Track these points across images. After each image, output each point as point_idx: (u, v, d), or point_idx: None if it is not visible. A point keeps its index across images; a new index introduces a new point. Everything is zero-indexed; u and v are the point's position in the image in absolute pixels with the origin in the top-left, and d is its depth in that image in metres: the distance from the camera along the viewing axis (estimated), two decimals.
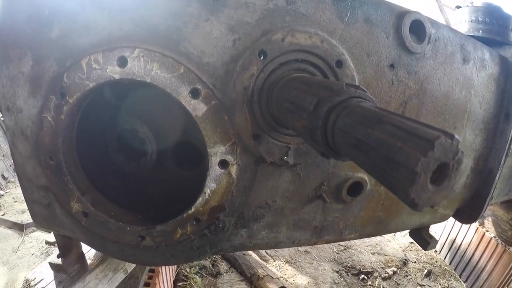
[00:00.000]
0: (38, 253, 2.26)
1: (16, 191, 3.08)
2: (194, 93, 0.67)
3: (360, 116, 0.42)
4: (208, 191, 0.71)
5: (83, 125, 0.81)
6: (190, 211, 0.73)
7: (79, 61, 0.72)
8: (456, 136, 0.34)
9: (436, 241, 1.08)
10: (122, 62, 0.69)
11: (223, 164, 0.70)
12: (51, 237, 2.38)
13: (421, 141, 0.34)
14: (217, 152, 0.69)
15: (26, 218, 2.64)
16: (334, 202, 0.82)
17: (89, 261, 1.00)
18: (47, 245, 2.28)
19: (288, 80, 0.65)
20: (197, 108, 0.68)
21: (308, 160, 0.74)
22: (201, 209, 0.73)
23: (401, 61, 0.82)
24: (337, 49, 0.72)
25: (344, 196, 0.80)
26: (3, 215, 2.73)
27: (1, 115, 4.18)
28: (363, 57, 0.76)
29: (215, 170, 0.70)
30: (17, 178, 3.41)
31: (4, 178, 3.21)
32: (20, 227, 2.47)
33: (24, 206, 2.90)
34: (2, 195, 2.98)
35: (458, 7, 1.30)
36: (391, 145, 0.36)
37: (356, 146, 0.41)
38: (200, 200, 0.72)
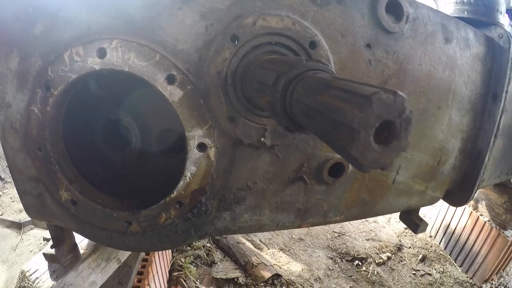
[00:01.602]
0: (36, 250, 2.35)
1: (13, 191, 3.18)
2: (170, 79, 0.71)
3: (311, 85, 0.44)
4: (189, 174, 0.74)
5: (70, 116, 0.85)
6: (172, 195, 0.77)
7: (62, 54, 0.77)
8: (400, 93, 0.34)
9: (426, 224, 1.08)
10: (102, 53, 0.73)
11: (201, 147, 0.72)
12: (48, 234, 2.44)
13: (359, 98, 0.34)
14: (195, 135, 0.72)
15: (24, 217, 2.73)
16: (316, 184, 0.84)
17: (81, 251, 1.04)
18: (45, 241, 2.36)
19: (260, 63, 0.67)
20: (173, 93, 0.71)
21: (286, 141, 0.76)
22: (183, 192, 0.76)
23: (378, 41, 0.84)
24: (309, 31, 0.74)
25: (326, 177, 0.82)
26: (1, 215, 2.82)
27: None
28: (337, 37, 0.78)
29: (194, 153, 0.73)
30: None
31: (1, 179, 3.32)
32: (18, 226, 2.57)
33: (21, 205, 3.01)
34: (0, 195, 3.09)
35: None
36: (334, 107, 0.37)
37: (308, 114, 0.43)
38: (181, 183, 0.75)
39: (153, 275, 1.39)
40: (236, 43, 0.71)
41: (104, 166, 0.94)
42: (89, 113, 0.93)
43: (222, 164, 0.76)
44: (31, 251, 2.35)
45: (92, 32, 0.75)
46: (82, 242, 1.07)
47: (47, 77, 0.79)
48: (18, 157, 0.88)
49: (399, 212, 1.15)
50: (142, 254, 1.41)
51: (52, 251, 0.96)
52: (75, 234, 1.05)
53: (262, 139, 0.74)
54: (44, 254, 0.97)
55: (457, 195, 1.13)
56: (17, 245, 2.39)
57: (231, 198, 0.80)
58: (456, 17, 1.20)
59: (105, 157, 0.95)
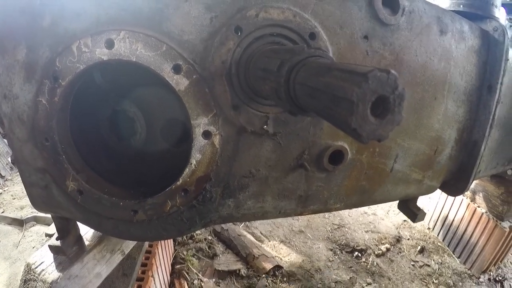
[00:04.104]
0: (39, 246, 2.39)
1: (14, 188, 3.24)
2: (176, 69, 0.76)
3: (314, 69, 0.50)
4: (194, 162, 0.79)
5: (76, 108, 0.90)
6: (178, 183, 0.81)
7: (70, 46, 0.81)
8: (393, 71, 0.40)
9: (424, 213, 1.14)
10: (110, 44, 0.78)
11: (207, 134, 0.78)
12: (50, 230, 2.49)
13: (357, 76, 0.40)
14: (200, 123, 0.77)
15: (25, 214, 2.79)
16: (317, 171, 0.89)
17: (86, 243, 1.09)
18: (47, 237, 2.40)
19: (262, 52, 0.73)
20: (180, 82, 0.76)
21: (287, 129, 0.81)
22: (188, 180, 0.81)
23: (375, 33, 0.90)
24: (309, 23, 0.80)
25: (326, 164, 0.88)
26: (2, 212, 2.87)
27: None
28: (336, 29, 0.84)
29: (199, 141, 0.78)
30: (14, 176, 3.54)
31: (1, 176, 3.37)
32: (20, 223, 2.61)
33: (23, 202, 3.07)
34: (1, 193, 3.13)
35: None
36: (335, 85, 0.43)
37: (311, 94, 0.48)
38: (187, 171, 0.80)
39: (157, 267, 1.44)
40: (239, 34, 0.77)
41: (110, 156, 0.99)
42: (94, 104, 0.98)
43: (226, 151, 0.80)
44: (33, 247, 2.39)
45: (100, 23, 0.80)
46: (87, 233, 1.11)
47: (55, 68, 0.84)
48: (25, 148, 0.93)
49: (398, 202, 1.22)
50: (146, 246, 1.46)
51: (58, 243, 1.00)
52: (80, 226, 1.09)
53: (265, 126, 0.79)
54: (50, 246, 1.01)
55: (454, 185, 1.19)
56: (19, 241, 2.43)
57: (235, 185, 0.85)
58: (452, 10, 1.27)
59: (110, 147, 0.99)
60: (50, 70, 0.84)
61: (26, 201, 3.04)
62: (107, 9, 0.79)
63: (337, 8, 0.85)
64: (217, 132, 0.78)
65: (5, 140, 3.87)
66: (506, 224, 2.16)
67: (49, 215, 1.13)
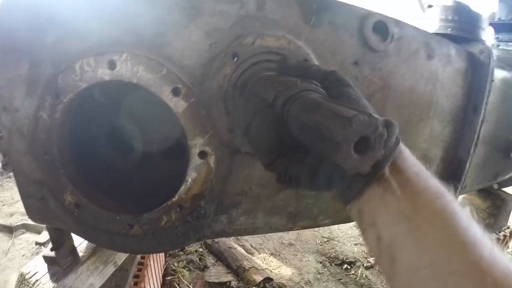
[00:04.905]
0: (28, 254, 2.40)
1: (4, 194, 3.24)
2: (176, 92, 0.81)
3: (305, 105, 0.56)
4: (190, 180, 0.85)
5: (75, 124, 0.94)
6: (174, 199, 0.87)
7: (73, 64, 0.86)
8: (374, 115, 0.47)
9: None
10: (112, 65, 0.83)
11: (202, 154, 0.83)
12: (41, 238, 2.50)
13: (342, 119, 0.47)
14: (196, 144, 0.83)
15: (15, 220, 2.79)
16: (305, 190, 0.96)
17: (80, 254, 1.13)
18: (37, 245, 2.42)
19: (258, 79, 0.79)
20: (178, 105, 0.82)
21: None
22: (183, 196, 0.87)
23: (365, 59, 0.97)
24: (302, 50, 0.87)
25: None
26: None
27: None
28: (328, 56, 0.91)
29: (195, 160, 0.84)
30: (4, 182, 3.53)
31: None
32: (9, 230, 2.62)
33: (12, 209, 3.08)
34: None
35: (430, 6, 1.46)
36: (322, 125, 0.50)
37: (301, 129, 0.55)
38: (183, 188, 0.86)
39: (149, 279, 1.49)
40: (236, 60, 0.83)
41: (107, 171, 1.04)
42: (93, 120, 1.03)
43: (220, 170, 0.85)
44: (23, 255, 2.41)
45: (103, 44, 0.85)
46: (81, 245, 1.15)
47: (57, 85, 0.89)
48: (24, 160, 0.97)
49: None
50: (138, 258, 1.50)
51: (52, 253, 1.04)
52: (74, 237, 1.13)
53: None
54: (44, 257, 1.05)
55: None
56: (9, 249, 2.44)
57: (228, 202, 0.90)
58: (440, 33, 1.36)
59: (107, 163, 1.04)
60: (52, 86, 0.89)
61: (16, 207, 3.05)
62: (111, 30, 0.84)
63: (329, 36, 0.91)
64: (213, 153, 0.83)
65: None
66: (492, 236, 2.25)
67: (40, 224, 1.17)
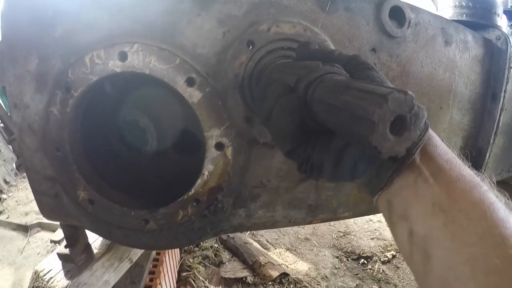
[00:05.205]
0: (43, 252, 2.42)
1: (19, 194, 3.28)
2: (190, 82, 0.79)
3: (331, 86, 0.53)
4: (207, 173, 0.83)
5: (87, 118, 0.93)
6: (190, 193, 0.84)
7: (83, 57, 0.84)
8: (410, 92, 0.44)
9: None
10: (123, 56, 0.81)
11: (219, 146, 0.81)
12: (55, 236, 2.52)
13: (377, 97, 0.44)
14: (213, 135, 0.81)
15: (30, 220, 2.81)
16: (326, 181, 0.93)
17: (95, 251, 1.11)
18: (53, 243, 2.44)
19: (276, 65, 0.77)
20: (193, 95, 0.79)
21: None
22: (200, 190, 0.84)
23: (383, 45, 0.94)
24: (319, 36, 0.84)
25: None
26: (7, 218, 2.91)
27: (0, 120, 4.37)
28: (345, 42, 0.88)
29: (211, 152, 0.81)
30: (18, 182, 3.58)
31: (6, 182, 3.42)
32: (24, 229, 2.65)
33: (27, 208, 3.10)
34: (5, 199, 3.17)
35: None
36: (355, 105, 0.47)
37: (329, 111, 0.52)
38: (199, 181, 0.83)
39: (164, 275, 1.47)
40: (251, 48, 0.81)
41: (120, 166, 1.02)
42: (104, 114, 1.01)
43: (238, 162, 0.82)
44: (38, 254, 2.43)
45: (113, 36, 0.82)
46: (95, 242, 1.14)
47: (67, 79, 0.86)
48: (35, 157, 0.95)
49: None
50: (153, 255, 1.49)
51: (66, 251, 1.03)
52: (88, 234, 1.12)
53: None
54: (59, 254, 1.03)
55: None
56: (24, 247, 2.46)
57: (246, 195, 0.87)
58: (455, 20, 1.32)
59: (120, 157, 1.02)
60: (62, 81, 0.87)
61: (30, 207, 3.07)
62: (120, 21, 0.82)
63: (345, 22, 0.89)
64: (230, 144, 0.81)
65: (10, 147, 3.92)
66: None
67: (54, 222, 1.16)
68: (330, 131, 0.55)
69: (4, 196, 3.35)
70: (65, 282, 1.01)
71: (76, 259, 1.04)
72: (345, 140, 0.54)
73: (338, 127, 0.51)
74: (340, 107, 0.49)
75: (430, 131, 0.52)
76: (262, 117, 0.70)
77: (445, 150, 0.52)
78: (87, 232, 1.12)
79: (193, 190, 0.83)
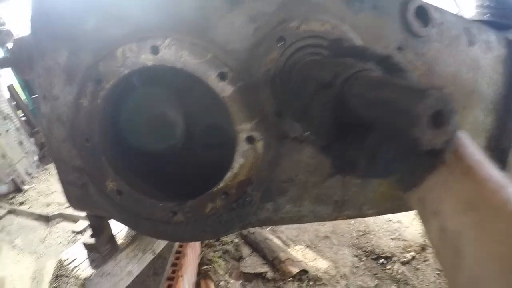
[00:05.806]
0: (65, 242, 2.46)
1: (40, 185, 3.34)
2: (222, 76, 0.80)
3: (370, 82, 0.55)
4: (237, 166, 0.84)
5: (116, 110, 0.95)
6: (219, 186, 0.86)
7: (114, 50, 0.85)
8: (445, 89, 0.47)
9: None
10: (155, 50, 0.82)
11: (250, 140, 0.83)
12: (77, 227, 2.57)
13: (417, 92, 0.46)
14: (243, 129, 0.82)
15: (52, 210, 2.88)
16: (356, 177, 0.95)
17: (119, 241, 1.14)
18: (74, 233, 2.49)
19: (306, 62, 0.79)
20: (225, 89, 0.81)
21: None
22: (229, 183, 0.86)
23: (408, 44, 0.95)
24: (348, 34, 0.85)
25: None
26: (29, 208, 2.98)
27: (22, 114, 4.44)
28: (373, 41, 0.87)
29: (242, 146, 0.83)
30: (40, 174, 3.66)
31: (28, 174, 3.49)
32: (46, 219, 2.70)
33: (49, 199, 3.15)
34: (27, 190, 3.23)
35: None
36: (396, 99, 0.49)
37: (367, 106, 0.54)
38: (229, 174, 0.85)
39: (186, 267, 1.50)
40: (282, 44, 0.83)
41: (148, 158, 1.04)
42: (133, 107, 1.03)
43: (268, 156, 0.82)
44: (59, 243, 2.47)
45: (145, 30, 0.83)
46: (120, 232, 1.16)
47: (98, 71, 0.88)
48: (63, 148, 0.97)
49: None
50: (176, 247, 1.52)
51: (92, 240, 1.05)
52: (112, 225, 1.15)
53: (306, 133, 0.85)
54: (84, 244, 1.05)
55: None
56: (45, 237, 2.50)
57: (274, 189, 0.87)
58: (477, 20, 1.34)
59: (148, 150, 1.04)
60: (93, 73, 0.88)
61: (52, 198, 3.11)
62: (152, 15, 0.83)
63: (372, 20, 0.89)
64: (260, 138, 0.83)
65: (32, 139, 3.99)
66: None
67: (75, 213, 1.19)
68: (364, 127, 0.56)
69: (26, 187, 3.44)
70: (89, 271, 1.03)
71: (101, 249, 1.06)
72: (380, 137, 0.56)
73: (377, 122, 0.53)
74: (380, 102, 0.50)
75: (461, 131, 0.54)
76: (295, 112, 0.71)
77: (474, 149, 0.54)
78: (111, 223, 1.14)
79: (222, 183, 0.85)
